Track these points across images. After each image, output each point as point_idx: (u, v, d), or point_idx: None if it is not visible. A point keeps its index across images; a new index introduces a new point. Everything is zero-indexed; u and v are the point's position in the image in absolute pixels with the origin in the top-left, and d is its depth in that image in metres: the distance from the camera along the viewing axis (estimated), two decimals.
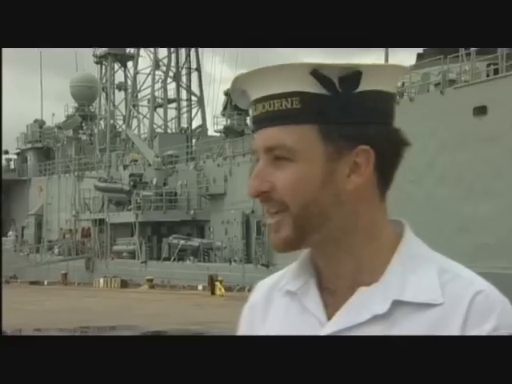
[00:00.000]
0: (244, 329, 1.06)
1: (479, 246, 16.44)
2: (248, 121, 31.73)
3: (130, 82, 41.97)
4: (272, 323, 1.01)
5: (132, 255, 30.48)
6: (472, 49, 19.38)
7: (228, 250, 26.89)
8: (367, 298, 0.92)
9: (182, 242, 28.05)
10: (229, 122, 32.48)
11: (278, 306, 1.02)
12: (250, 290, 1.10)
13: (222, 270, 23.56)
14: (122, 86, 44.00)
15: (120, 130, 42.61)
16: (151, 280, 25.74)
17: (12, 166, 45.09)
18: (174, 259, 27.61)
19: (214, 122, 35.73)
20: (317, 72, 0.89)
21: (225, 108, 32.87)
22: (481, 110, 17.21)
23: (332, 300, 0.95)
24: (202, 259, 27.14)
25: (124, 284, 26.60)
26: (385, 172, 0.94)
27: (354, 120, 0.91)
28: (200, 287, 23.42)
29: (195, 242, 28.15)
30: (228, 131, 31.96)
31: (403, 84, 21.37)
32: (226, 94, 32.49)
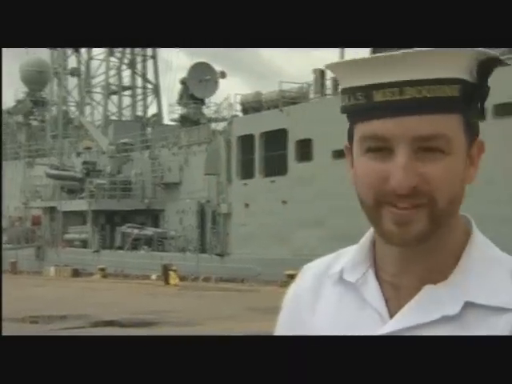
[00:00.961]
0: (288, 318, 0.99)
1: None
2: (203, 110, 31.58)
3: (83, 68, 41.11)
4: (324, 315, 0.95)
5: (84, 244, 30.00)
6: None
7: (182, 239, 26.78)
8: (436, 296, 0.88)
9: (135, 231, 27.77)
10: (185, 110, 32.25)
11: (330, 295, 0.96)
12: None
13: (177, 260, 23.46)
14: (75, 72, 43.04)
15: (73, 116, 41.71)
16: (104, 269, 25.41)
17: None
18: (128, 248, 27.32)
19: (170, 110, 35.44)
20: (487, 61, 0.85)
21: (181, 97, 32.60)
22: None
23: (394, 295, 0.90)
24: (156, 248, 26.95)
25: (76, 273, 26.19)
26: None
27: (480, 111, 0.89)
28: (154, 277, 23.26)
29: (149, 231, 27.91)
30: (184, 120, 31.73)
31: None
32: (183, 82, 32.22)
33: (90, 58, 39.60)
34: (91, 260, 27.47)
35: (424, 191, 0.84)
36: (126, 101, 39.90)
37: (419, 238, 0.86)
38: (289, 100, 23.31)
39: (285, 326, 1.00)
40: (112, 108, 39.20)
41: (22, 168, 36.44)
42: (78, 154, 34.19)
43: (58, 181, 32.26)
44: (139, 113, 39.92)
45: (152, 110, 40.13)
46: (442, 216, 0.86)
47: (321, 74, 23.02)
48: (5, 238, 35.31)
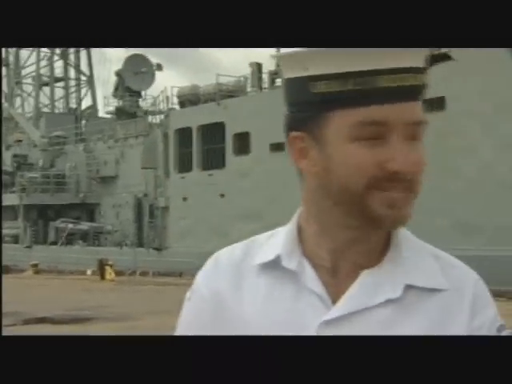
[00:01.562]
0: (208, 311, 0.94)
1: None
2: (140, 103, 31.13)
3: (12, 58, 39.65)
4: (253, 305, 0.91)
5: (16, 240, 29.05)
6: None
7: (119, 233, 26.36)
8: (377, 281, 0.90)
9: (70, 225, 27.11)
10: (120, 103, 31.68)
11: (258, 284, 0.93)
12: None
13: (113, 255, 23.07)
14: (3, 62, 41.45)
15: (2, 108, 40.19)
16: (36, 265, 24.69)
17: None
18: (62, 243, 26.66)
19: (105, 103, 34.72)
20: (435, 55, 0.89)
21: (116, 89, 31.99)
22: None
23: (333, 281, 0.91)
24: (92, 243, 26.42)
25: (7, 270, 25.31)
26: None
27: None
28: (89, 272, 22.78)
29: (84, 225, 27.32)
30: (120, 113, 31.15)
31: None
32: (118, 74, 31.63)
33: (19, 48, 38.24)
34: (23, 256, 26.63)
35: (412, 176, 0.87)
36: (59, 93, 38.81)
37: (406, 221, 0.89)
38: (226, 93, 23.29)
39: (204, 320, 0.94)
40: (44, 100, 38.06)
41: None
42: (8, 147, 33.01)
43: None
44: (73, 105, 38.89)
45: (86, 103, 39.20)
46: (414, 200, 0.89)
47: (258, 67, 23.12)
48: None
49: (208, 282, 0.96)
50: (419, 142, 0.89)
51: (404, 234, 0.94)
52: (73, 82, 39.21)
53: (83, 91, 39.07)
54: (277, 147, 19.55)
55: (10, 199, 29.28)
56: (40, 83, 37.56)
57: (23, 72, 38.69)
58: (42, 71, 37.74)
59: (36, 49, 37.04)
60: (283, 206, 19.31)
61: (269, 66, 22.70)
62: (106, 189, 28.15)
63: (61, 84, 39.01)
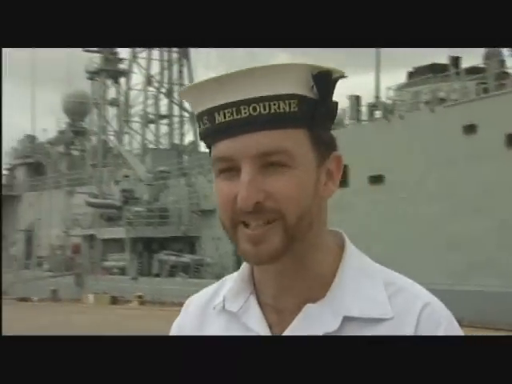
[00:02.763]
0: None
1: (470, 264, 16.48)
2: None
3: (122, 98, 42.02)
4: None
5: (122, 271, 30.29)
6: (461, 68, 19.58)
7: (219, 266, 26.79)
8: (316, 314, 0.89)
9: (172, 258, 27.92)
10: None
11: (214, 326, 0.95)
12: None
13: None
14: (114, 102, 44.01)
15: (112, 145, 42.56)
16: (141, 296, 25.56)
17: (3, 182, 44.84)
18: (165, 275, 27.46)
19: None
20: (320, 75, 0.85)
21: None
22: (470, 129, 17.35)
23: (278, 319, 0.91)
24: (193, 276, 27.01)
25: (114, 300, 26.40)
26: None
27: (330, 126, 0.90)
28: None
29: (186, 258, 28.02)
30: None
31: (394, 102, 21.54)
32: None
33: (129, 89, 40.47)
34: (129, 287, 27.68)
35: (270, 207, 0.84)
36: (163, 129, 40.53)
37: (273, 256, 0.86)
38: None
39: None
40: (150, 136, 39.85)
41: (62, 197, 37.20)
42: (117, 183, 34.75)
43: (97, 209, 32.77)
44: (176, 141, 40.45)
45: (188, 138, 40.65)
46: (294, 232, 0.86)
47: (356, 100, 22.98)
48: (46, 266, 35.96)
49: (178, 324, 1.02)
50: (289, 168, 0.85)
51: (354, 260, 0.91)
52: (176, 119, 40.85)
53: (186, 127, 40.59)
54: (375, 180, 19.18)
55: (117, 232, 30.68)
56: (146, 121, 39.41)
57: (131, 111, 40.80)
58: (149, 109, 39.62)
59: (143, 88, 38.99)
60: (381, 239, 18.90)
61: (368, 98, 22.51)
62: (206, 222, 28.82)
63: (165, 121, 40.75)
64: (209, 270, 27.26)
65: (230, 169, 0.87)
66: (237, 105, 0.85)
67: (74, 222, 35.30)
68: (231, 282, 0.96)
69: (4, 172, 45.20)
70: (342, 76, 0.88)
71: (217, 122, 0.86)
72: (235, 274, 0.98)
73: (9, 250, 40.41)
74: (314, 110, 0.86)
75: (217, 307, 0.96)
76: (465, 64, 20.59)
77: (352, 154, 21.17)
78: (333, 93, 0.88)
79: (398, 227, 18.10)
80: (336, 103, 0.90)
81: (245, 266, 0.95)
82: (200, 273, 27.49)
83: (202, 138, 0.90)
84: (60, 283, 30.80)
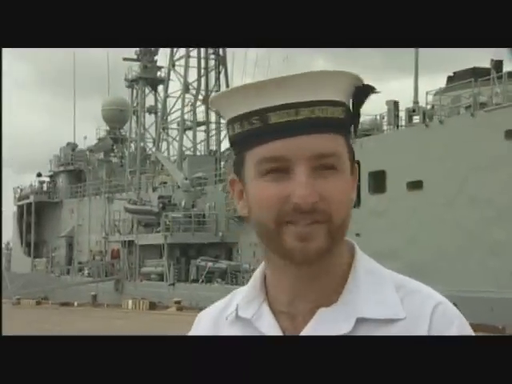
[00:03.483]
0: None
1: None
2: None
3: (160, 106, 42.56)
4: None
5: (160, 277, 30.57)
6: (504, 71, 19.18)
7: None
8: (330, 318, 0.91)
9: (209, 264, 28.05)
10: None
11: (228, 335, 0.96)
12: None
13: None
14: (152, 110, 44.61)
15: (150, 152, 43.10)
16: (179, 302, 25.75)
17: (45, 189, 45.86)
18: (202, 281, 27.60)
19: None
20: (361, 88, 0.89)
21: None
22: None
23: (291, 324, 0.92)
24: (230, 281, 27.08)
25: (152, 306, 26.65)
26: None
27: (354, 134, 0.93)
28: None
29: (223, 264, 28.11)
30: None
31: (433, 106, 21.24)
32: None
33: (167, 96, 40.97)
34: (167, 293, 27.91)
35: (322, 208, 0.87)
36: (201, 136, 40.88)
37: (319, 254, 0.88)
38: (362, 132, 23.12)
39: None
40: (187, 143, 40.25)
41: (102, 203, 37.81)
42: (155, 189, 35.14)
43: (135, 215, 33.20)
44: (213, 147, 40.73)
45: (225, 145, 40.85)
46: (337, 233, 0.89)
47: (395, 105, 22.75)
48: (86, 271, 36.58)
49: (192, 334, 1.02)
50: (337, 172, 0.87)
51: (364, 265, 0.93)
52: (213, 126, 41.15)
53: (222, 134, 40.81)
54: (414, 185, 18.92)
55: (155, 238, 31.02)
56: (184, 128, 39.81)
57: (169, 118, 41.28)
58: (186, 117, 40.02)
59: (181, 96, 39.42)
60: (420, 245, 18.60)
61: (406, 103, 22.26)
62: (243, 228, 28.89)
63: (202, 128, 41.08)
64: (246, 276, 27.28)
65: (278, 170, 0.88)
66: (295, 106, 0.87)
67: (113, 228, 35.82)
68: (243, 292, 0.98)
69: (46, 179, 46.26)
70: (375, 91, 0.91)
71: (271, 122, 0.87)
72: (245, 286, 1.00)
73: (50, 255, 41.26)
74: (350, 119, 0.90)
75: (229, 317, 0.97)
76: (507, 68, 20.18)
77: (390, 159, 21.03)
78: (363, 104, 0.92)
79: (437, 233, 17.80)
80: (360, 115, 0.93)
81: (257, 274, 0.97)
82: (237, 279, 27.54)
83: (243, 138, 0.90)
84: (100, 288, 31.27)
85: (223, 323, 0.98)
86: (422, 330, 0.89)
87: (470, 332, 0.91)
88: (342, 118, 0.89)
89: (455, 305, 0.94)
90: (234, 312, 0.96)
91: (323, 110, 0.87)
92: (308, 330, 0.91)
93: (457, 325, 0.90)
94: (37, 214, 42.93)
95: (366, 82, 0.91)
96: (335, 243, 0.90)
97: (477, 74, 20.08)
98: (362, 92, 0.90)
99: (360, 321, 0.90)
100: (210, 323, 0.99)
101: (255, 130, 0.88)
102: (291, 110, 0.87)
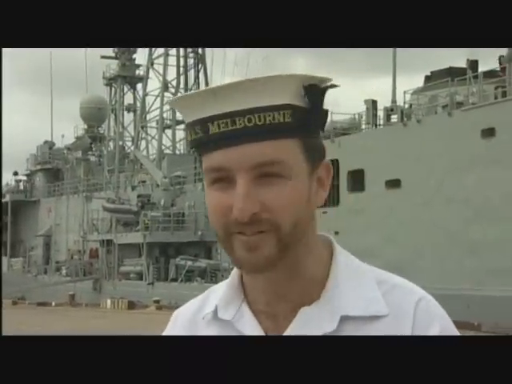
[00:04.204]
0: None
1: (488, 270, 16.30)
2: None
3: (138, 104, 42.31)
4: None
5: (139, 276, 30.42)
6: (479, 71, 19.43)
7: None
8: (313, 316, 0.90)
9: (189, 262, 28.00)
10: None
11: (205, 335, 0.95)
12: None
13: None
14: (131, 108, 44.33)
15: (129, 151, 42.84)
16: (158, 301, 25.64)
17: (21, 187, 45.32)
18: (181, 280, 27.54)
19: None
20: (311, 86, 0.87)
21: None
22: (489, 132, 17.19)
23: (272, 324, 0.91)
24: (209, 280, 27.05)
25: (131, 305, 26.51)
26: None
27: (320, 134, 0.91)
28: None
29: (202, 263, 28.08)
30: None
31: (411, 106, 21.42)
32: None
33: (146, 94, 40.74)
34: (146, 292, 27.78)
35: (265, 218, 0.85)
36: (180, 134, 40.71)
37: (268, 263, 0.87)
38: (340, 131, 23.24)
39: None
40: (166, 142, 40.08)
41: (80, 202, 37.50)
42: (133, 188, 34.96)
43: (114, 214, 32.99)
44: None
45: None
46: (288, 240, 0.87)
47: (373, 104, 22.90)
48: (64, 270, 36.26)
49: (166, 333, 1.01)
50: (283, 178, 0.85)
51: (345, 262, 0.92)
52: None
53: None
54: (392, 184, 19.07)
55: (134, 237, 30.85)
56: (163, 126, 39.64)
57: (148, 117, 41.06)
58: (165, 115, 39.85)
59: (160, 94, 39.25)
60: (398, 243, 18.76)
61: (384, 102, 22.42)
62: None
63: (182, 126, 40.94)
64: (225, 275, 27.27)
65: (223, 179, 0.87)
66: (232, 116, 0.85)
67: (91, 227, 35.54)
68: (220, 291, 0.96)
69: (23, 178, 45.72)
70: (333, 85, 0.90)
71: (211, 132, 0.86)
72: (222, 283, 0.98)
73: (27, 255, 40.81)
74: (306, 120, 0.88)
75: (206, 317, 0.95)
76: (483, 67, 20.44)
77: (369, 158, 21.16)
78: (323, 101, 0.89)
79: (415, 232, 17.96)
80: (326, 111, 0.90)
81: (234, 273, 0.96)
82: (216, 277, 27.52)
83: (192, 147, 0.91)
84: (78, 288, 31.01)
85: (200, 322, 0.96)
86: (405, 326, 0.89)
87: (452, 326, 0.92)
88: (288, 121, 0.85)
89: None
90: (211, 312, 0.95)
91: (262, 117, 0.85)
92: (291, 330, 0.90)
93: (439, 320, 0.90)
94: (13, 213, 42.39)
95: (333, 80, 0.89)
96: (289, 250, 0.87)
97: (453, 73, 20.33)
98: (316, 90, 0.87)
99: (344, 319, 0.90)
100: (186, 322, 0.98)
101: (199, 139, 0.88)
102: (227, 119, 0.85)
